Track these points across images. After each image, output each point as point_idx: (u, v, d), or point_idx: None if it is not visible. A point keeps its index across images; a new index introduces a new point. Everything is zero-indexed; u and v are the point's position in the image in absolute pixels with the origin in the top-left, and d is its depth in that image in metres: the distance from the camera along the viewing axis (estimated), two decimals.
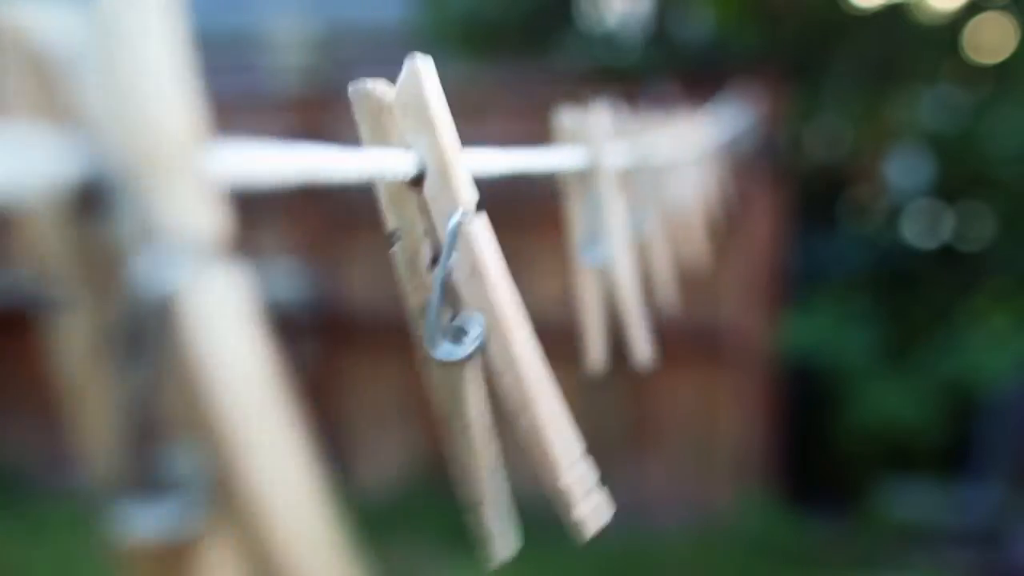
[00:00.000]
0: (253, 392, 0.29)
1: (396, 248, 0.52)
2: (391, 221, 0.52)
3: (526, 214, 2.89)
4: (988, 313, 3.51)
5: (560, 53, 3.69)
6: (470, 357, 0.51)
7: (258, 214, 3.57)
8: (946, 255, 3.73)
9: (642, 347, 0.93)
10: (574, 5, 3.75)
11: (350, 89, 0.50)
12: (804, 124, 3.61)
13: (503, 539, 0.53)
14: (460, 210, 0.50)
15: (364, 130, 0.51)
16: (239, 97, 3.57)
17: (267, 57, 3.82)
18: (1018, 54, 3.46)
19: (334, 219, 3.59)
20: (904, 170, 3.92)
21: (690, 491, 3.40)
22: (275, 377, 0.30)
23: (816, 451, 3.49)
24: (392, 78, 0.53)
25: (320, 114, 3.56)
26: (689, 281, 3.39)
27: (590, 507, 0.50)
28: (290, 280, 3.61)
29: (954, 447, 3.43)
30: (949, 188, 3.74)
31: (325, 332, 3.64)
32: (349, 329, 3.61)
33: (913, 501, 3.32)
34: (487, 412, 0.52)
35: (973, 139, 3.49)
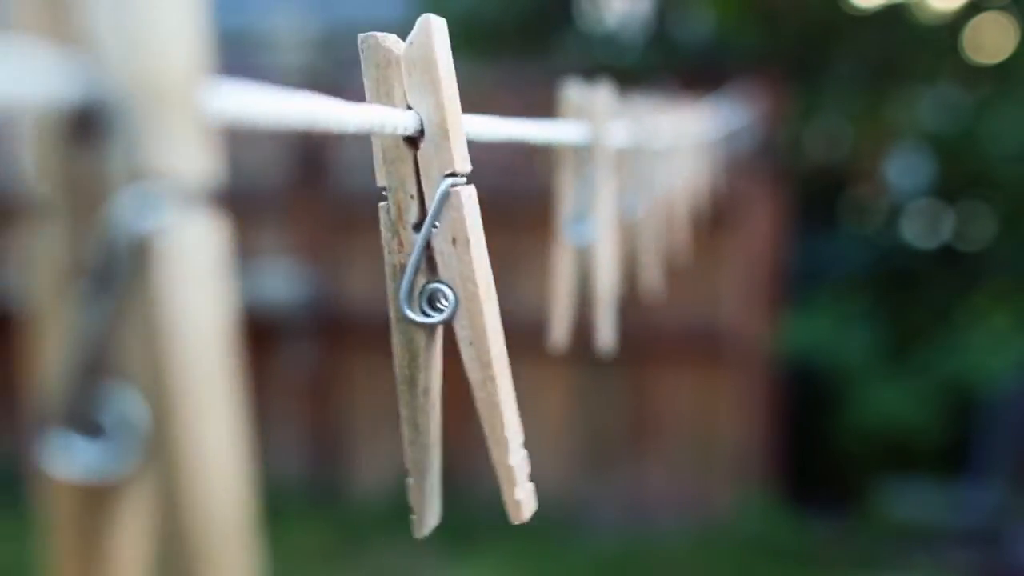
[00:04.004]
0: (207, 349, 0.29)
1: (383, 206, 0.51)
2: (381, 178, 0.51)
3: (521, 213, 2.89)
4: (988, 313, 3.51)
5: (560, 53, 3.68)
6: (439, 323, 0.51)
7: (258, 214, 3.57)
8: (946, 255, 3.73)
9: (607, 332, 0.93)
10: (574, 5, 3.75)
11: (359, 38, 0.50)
12: (804, 124, 3.61)
13: (433, 509, 0.54)
14: (453, 176, 0.50)
15: (369, 83, 0.51)
16: None
17: (267, 57, 3.81)
18: (1018, 54, 3.46)
19: (334, 219, 3.59)
20: (904, 170, 3.92)
21: (690, 491, 3.40)
22: (230, 337, 0.30)
23: (816, 451, 3.49)
24: None
25: None
26: (689, 281, 3.39)
27: (528, 491, 0.51)
28: (290, 280, 3.60)
29: (954, 447, 3.43)
30: (949, 188, 3.74)
31: (324, 332, 3.64)
32: (348, 329, 3.61)
33: (913, 501, 3.32)
34: (440, 380, 0.53)
35: (973, 139, 3.49)
